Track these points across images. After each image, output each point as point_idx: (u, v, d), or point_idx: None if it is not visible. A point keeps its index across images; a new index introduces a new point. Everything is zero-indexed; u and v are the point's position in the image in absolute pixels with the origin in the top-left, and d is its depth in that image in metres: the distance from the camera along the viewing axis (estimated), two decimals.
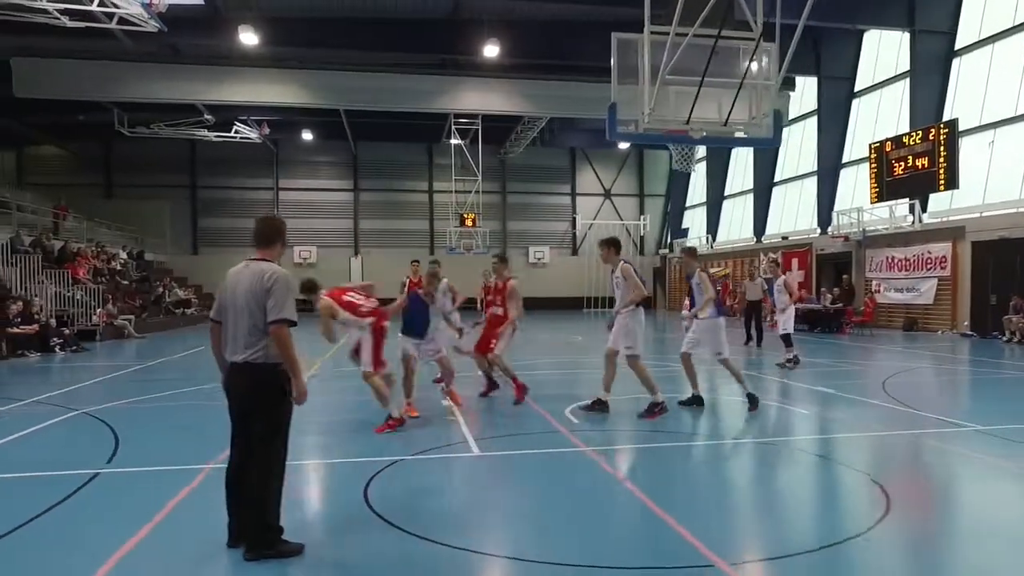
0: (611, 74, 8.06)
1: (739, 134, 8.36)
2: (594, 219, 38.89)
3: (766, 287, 15.64)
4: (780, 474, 6.25)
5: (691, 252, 9.28)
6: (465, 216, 32.41)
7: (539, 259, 38.56)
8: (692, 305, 9.29)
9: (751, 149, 30.53)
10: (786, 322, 12.47)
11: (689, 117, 7.89)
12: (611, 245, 8.35)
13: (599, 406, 8.31)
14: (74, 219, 28.22)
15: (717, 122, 8.12)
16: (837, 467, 6.27)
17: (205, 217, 37.27)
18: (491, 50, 23.11)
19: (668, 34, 7.85)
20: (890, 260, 22.16)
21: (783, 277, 12.60)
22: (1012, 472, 6.05)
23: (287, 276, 4.19)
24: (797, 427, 8.28)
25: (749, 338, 17.15)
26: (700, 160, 36.50)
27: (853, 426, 8.00)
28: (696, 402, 8.75)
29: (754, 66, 8.12)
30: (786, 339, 12.48)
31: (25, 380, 12.40)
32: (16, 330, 14.91)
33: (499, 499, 5.52)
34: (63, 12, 16.91)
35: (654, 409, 8.14)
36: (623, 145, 36.00)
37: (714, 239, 33.71)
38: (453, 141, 32.34)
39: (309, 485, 5.83)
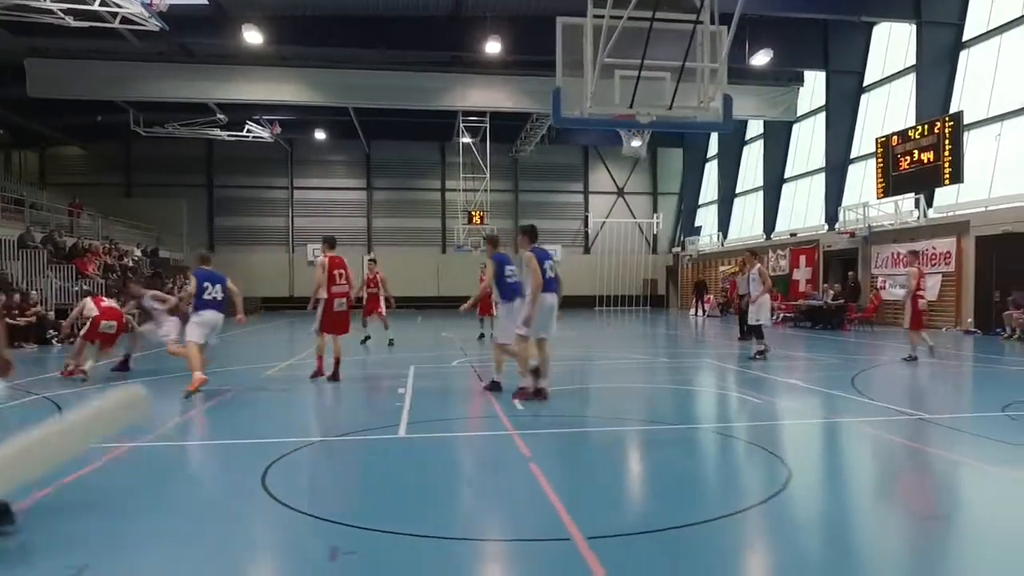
0: (556, 60, 8.04)
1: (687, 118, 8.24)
2: (607, 217, 38.76)
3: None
4: (688, 457, 6.12)
5: (492, 241, 9.13)
6: (473, 214, 32.45)
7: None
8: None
9: (761, 144, 30.26)
10: (759, 313, 12.25)
11: (632, 101, 7.82)
12: (523, 232, 8.54)
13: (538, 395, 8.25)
14: (89, 217, 28.83)
15: (665, 106, 8.04)
16: (753, 451, 6.14)
17: (221, 215, 37.83)
18: (493, 47, 23.14)
19: (618, 19, 7.80)
20: (895, 256, 21.69)
21: (758, 266, 12.40)
22: (924, 454, 5.89)
23: None
24: (738, 414, 8.18)
25: (742, 332, 16.91)
26: (712, 159, 36.21)
27: (796, 413, 7.87)
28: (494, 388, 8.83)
29: (701, 50, 7.99)
30: (756, 330, 12.27)
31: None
32: (11, 321, 15.27)
33: (399, 478, 5.49)
34: (67, 12, 17.35)
35: (520, 390, 8.31)
36: (635, 143, 35.71)
37: (725, 236, 33.31)
38: (462, 139, 32.43)
39: (212, 464, 5.88)
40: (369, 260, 13.43)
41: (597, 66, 7.68)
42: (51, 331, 16.29)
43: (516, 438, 6.45)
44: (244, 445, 6.49)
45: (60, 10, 17.22)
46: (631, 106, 7.86)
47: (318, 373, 9.90)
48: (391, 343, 15.50)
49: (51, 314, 17.06)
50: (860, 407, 7.97)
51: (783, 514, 4.47)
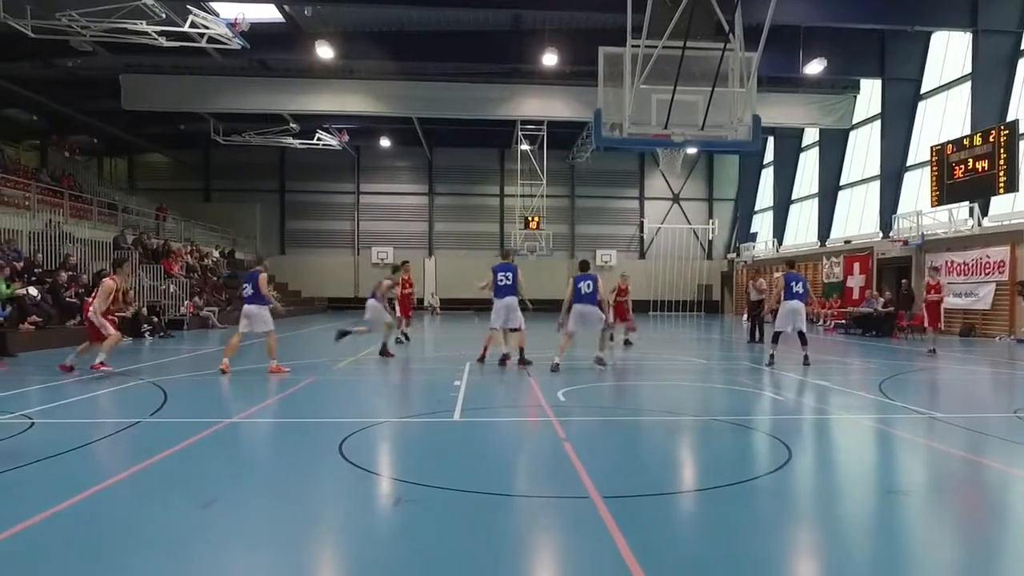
0: (597, 84, 8.93)
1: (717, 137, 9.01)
2: (662, 223, 39.25)
3: (764, 288, 16.38)
4: (699, 441, 6.91)
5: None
6: (529, 219, 33.43)
7: (606, 262, 39.08)
8: None
9: (817, 151, 30.35)
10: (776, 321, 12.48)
11: (667, 122, 8.65)
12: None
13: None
14: (173, 220, 30.97)
15: (697, 126, 8.84)
16: (762, 438, 6.89)
17: (292, 219, 39.83)
18: (550, 59, 24.08)
19: (653, 48, 8.65)
20: (949, 264, 21.72)
21: (761, 280, 12.88)
22: (921, 447, 6.53)
23: None
24: (757, 409, 8.86)
25: (752, 337, 17.28)
26: (768, 165, 36.31)
27: (813, 409, 8.55)
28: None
29: (732, 74, 8.76)
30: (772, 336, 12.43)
31: (112, 358, 14.22)
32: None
33: (452, 450, 6.46)
34: (160, 33, 19.09)
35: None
36: (691, 150, 36.11)
37: (780, 243, 33.43)
38: (520, 147, 33.47)
39: (294, 437, 6.97)
40: (404, 263, 15.60)
41: (634, 91, 8.54)
42: (144, 325, 17.94)
43: (555, 423, 7.35)
44: (326, 423, 7.58)
45: (154, 32, 18.96)
46: (666, 127, 8.68)
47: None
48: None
49: (144, 310, 18.74)
50: (877, 405, 8.59)
51: (777, 487, 5.26)
